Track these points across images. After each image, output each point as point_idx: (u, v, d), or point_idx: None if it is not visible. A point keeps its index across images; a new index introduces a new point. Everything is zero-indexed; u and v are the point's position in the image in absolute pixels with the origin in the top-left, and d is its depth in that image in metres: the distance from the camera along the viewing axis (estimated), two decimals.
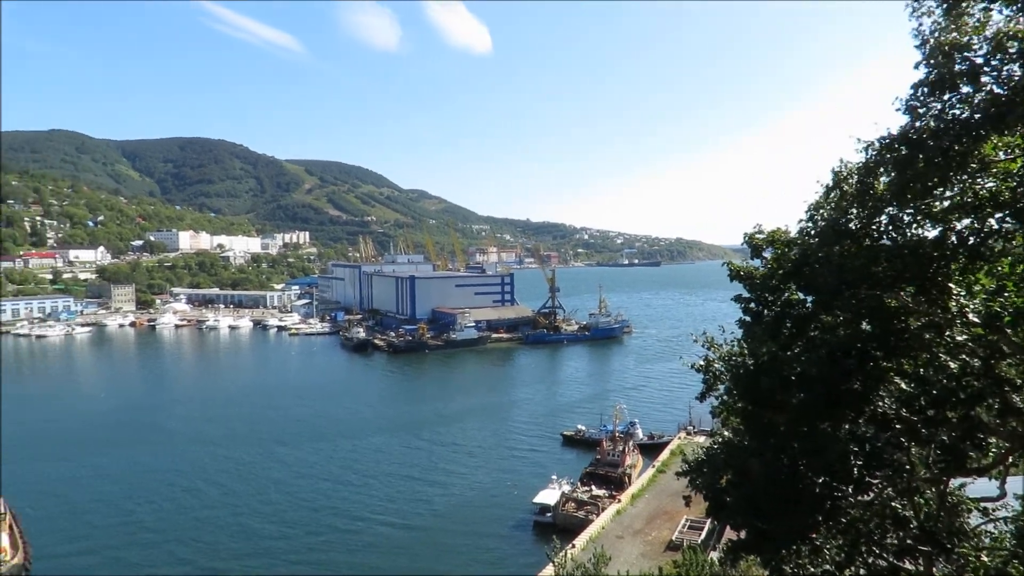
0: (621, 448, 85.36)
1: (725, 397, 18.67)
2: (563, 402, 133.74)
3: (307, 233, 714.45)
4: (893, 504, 16.44)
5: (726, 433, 19.98)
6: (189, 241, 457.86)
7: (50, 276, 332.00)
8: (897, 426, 15.46)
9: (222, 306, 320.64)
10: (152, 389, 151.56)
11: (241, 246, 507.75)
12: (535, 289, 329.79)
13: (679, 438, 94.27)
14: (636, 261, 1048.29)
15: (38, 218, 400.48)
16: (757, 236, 17.17)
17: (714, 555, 43.85)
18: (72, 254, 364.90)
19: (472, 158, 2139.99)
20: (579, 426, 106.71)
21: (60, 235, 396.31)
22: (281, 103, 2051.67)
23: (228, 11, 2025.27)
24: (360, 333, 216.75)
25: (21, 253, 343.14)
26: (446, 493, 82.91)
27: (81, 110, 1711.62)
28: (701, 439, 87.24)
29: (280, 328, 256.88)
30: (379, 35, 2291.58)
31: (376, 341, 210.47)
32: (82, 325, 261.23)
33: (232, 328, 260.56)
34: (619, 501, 72.70)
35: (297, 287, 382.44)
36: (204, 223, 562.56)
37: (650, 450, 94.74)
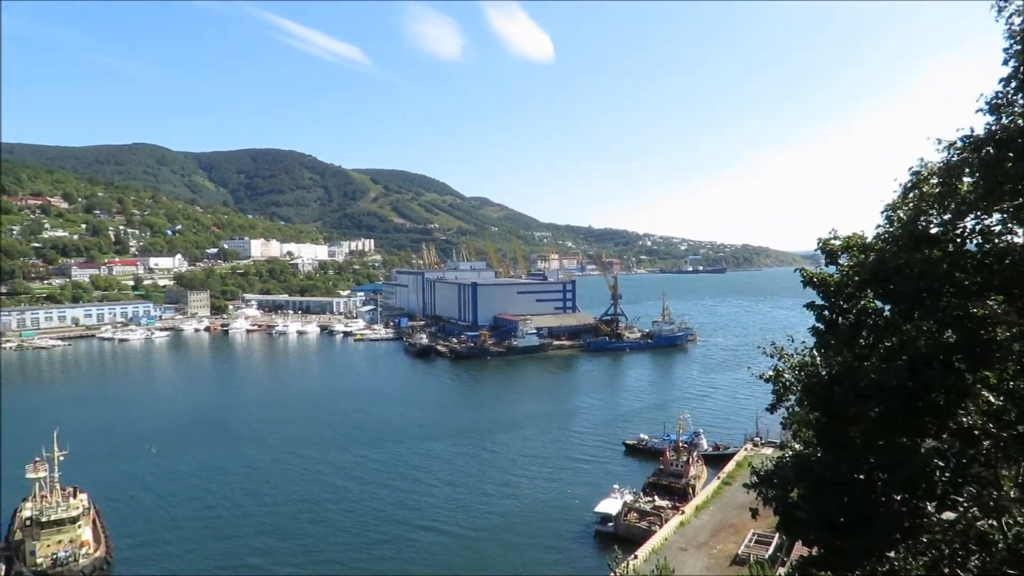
0: (685, 458, 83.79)
1: (796, 408, 18.09)
2: (625, 410, 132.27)
3: (372, 240, 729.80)
4: (979, 525, 15.56)
5: (797, 445, 19.36)
6: (260, 249, 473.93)
7: (132, 283, 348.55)
8: (984, 441, 14.66)
9: (291, 312, 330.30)
10: (224, 392, 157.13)
11: (309, 253, 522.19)
12: (597, 296, 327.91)
13: (745, 449, 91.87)
14: (700, 268, 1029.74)
15: (121, 227, 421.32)
16: (832, 242, 16.61)
17: (782, 571, 42.49)
18: (152, 261, 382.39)
19: (534, 165, 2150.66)
20: (641, 435, 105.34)
21: (141, 243, 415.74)
22: (348, 114, 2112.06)
23: (299, 26, 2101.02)
24: (423, 339, 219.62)
25: (106, 261, 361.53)
26: (505, 501, 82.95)
27: (162, 124, 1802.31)
28: (769, 451, 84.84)
29: (346, 334, 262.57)
30: (442, 45, 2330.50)
31: (438, 347, 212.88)
32: (161, 330, 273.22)
33: (300, 333, 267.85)
34: (683, 512, 71.29)
35: (362, 293, 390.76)
36: (274, 231, 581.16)
37: (715, 461, 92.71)
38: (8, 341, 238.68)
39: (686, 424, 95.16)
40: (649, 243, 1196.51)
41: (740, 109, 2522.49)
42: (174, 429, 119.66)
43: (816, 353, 17.13)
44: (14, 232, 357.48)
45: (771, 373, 18.14)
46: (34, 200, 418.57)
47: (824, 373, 15.88)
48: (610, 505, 74.10)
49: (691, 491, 78.72)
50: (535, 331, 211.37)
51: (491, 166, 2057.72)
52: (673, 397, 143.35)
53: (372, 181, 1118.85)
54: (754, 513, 19.74)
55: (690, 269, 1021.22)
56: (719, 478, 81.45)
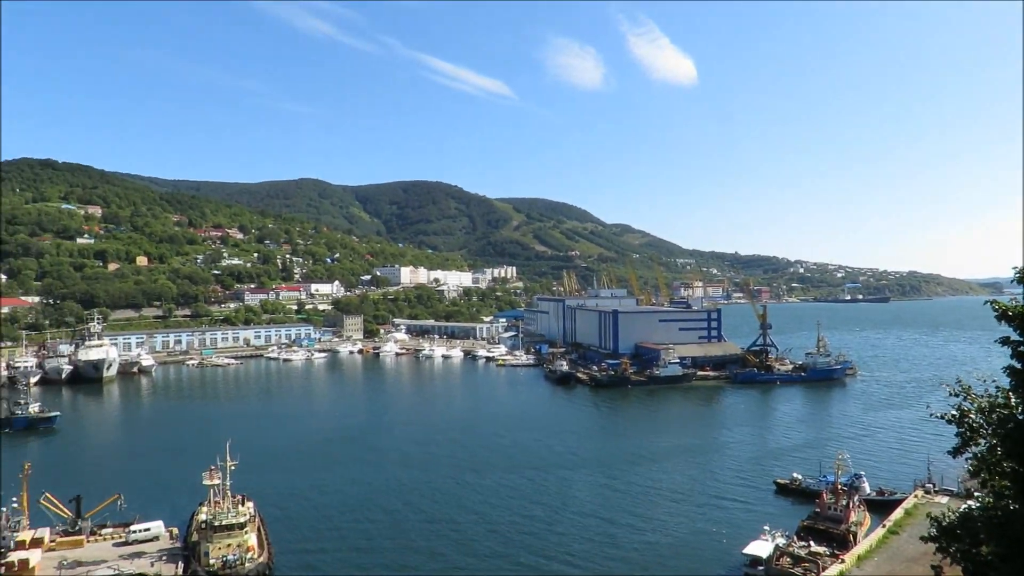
0: (845, 502, 77.42)
1: (986, 454, 16.12)
2: (775, 447, 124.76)
3: (514, 268, 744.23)
4: None
5: (987, 496, 17.23)
6: (409, 276, 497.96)
7: (295, 307, 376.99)
8: None
9: (436, 336, 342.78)
10: (374, 412, 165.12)
11: (454, 280, 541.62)
12: (744, 325, 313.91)
13: (915, 496, 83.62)
14: (860, 296, 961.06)
15: (287, 256, 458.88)
16: None
17: None
18: (313, 287, 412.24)
19: (676, 190, 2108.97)
20: (795, 474, 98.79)
21: (304, 270, 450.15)
22: (492, 145, 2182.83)
23: (448, 64, 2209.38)
24: (563, 366, 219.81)
25: (274, 286, 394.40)
26: (645, 536, 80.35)
27: (323, 160, 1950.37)
28: (945, 500, 76.83)
29: (488, 359, 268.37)
30: (583, 75, 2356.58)
31: (579, 374, 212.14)
32: (319, 351, 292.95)
33: (445, 358, 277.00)
34: (842, 561, 65.79)
35: (504, 320, 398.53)
36: (422, 259, 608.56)
37: (879, 507, 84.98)
38: (191, 359, 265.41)
39: (845, 465, 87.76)
40: (801, 270, 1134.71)
41: (902, 130, 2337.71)
42: (328, 444, 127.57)
43: (1012, 395, 15.21)
44: (199, 260, 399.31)
45: (954, 413, 16.34)
46: (215, 232, 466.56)
47: (1023, 417, 14.08)
48: (760, 547, 69.77)
49: (852, 538, 72.54)
50: (678, 360, 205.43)
51: (632, 192, 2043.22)
52: (829, 435, 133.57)
53: (515, 210, 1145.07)
54: (938, 571, 17.72)
55: (848, 298, 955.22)
56: (885, 526, 74.55)
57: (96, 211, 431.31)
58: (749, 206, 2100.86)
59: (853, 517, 76.00)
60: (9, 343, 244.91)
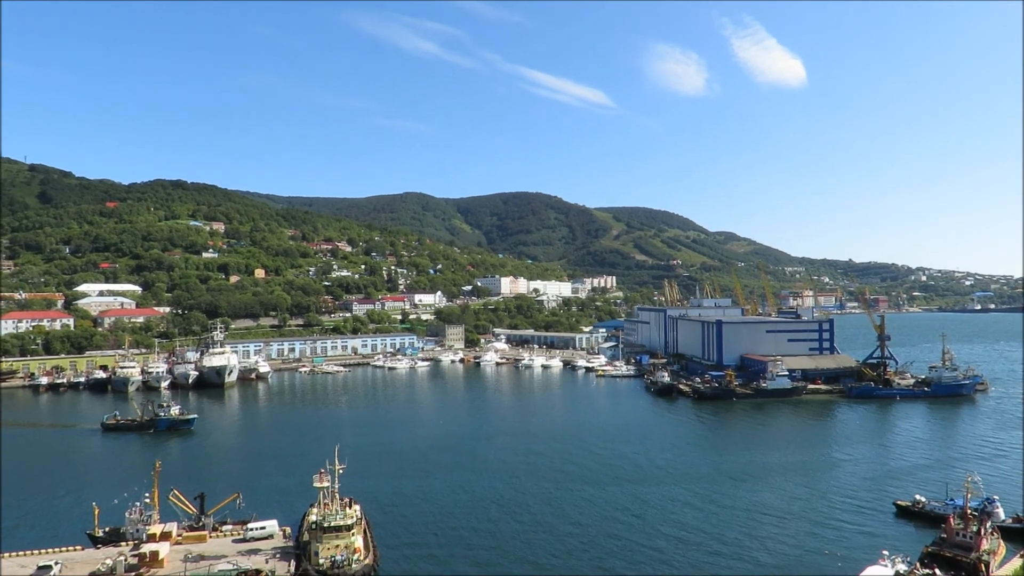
0: (976, 528, 71.51)
1: None
2: (895, 467, 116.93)
3: (614, 278, 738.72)
4: None
5: None
6: (509, 286, 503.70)
7: (400, 317, 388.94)
8: None
9: (536, 346, 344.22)
10: (475, 421, 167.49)
11: (554, 290, 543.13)
12: (860, 337, 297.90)
13: None
14: (992, 306, 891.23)
15: (393, 267, 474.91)
16: None
17: None
18: (416, 298, 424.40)
19: (784, 196, 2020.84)
20: (917, 496, 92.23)
21: (408, 281, 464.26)
22: (592, 154, 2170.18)
23: (548, 76, 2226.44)
24: (664, 377, 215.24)
25: (380, 297, 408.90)
26: (752, 555, 77.12)
27: (427, 174, 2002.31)
28: None
29: (587, 369, 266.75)
30: (685, 81, 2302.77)
31: (681, 386, 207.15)
32: (423, 360, 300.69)
33: (544, 367, 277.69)
34: None
35: (604, 330, 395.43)
36: (522, 269, 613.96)
37: (1015, 535, 78.10)
38: (303, 367, 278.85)
39: (976, 488, 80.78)
40: (924, 277, 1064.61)
41: None
42: (431, 450, 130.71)
43: None
44: (311, 272, 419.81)
45: None
46: (326, 245, 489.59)
47: None
48: (879, 572, 65.56)
49: (983, 568, 66.88)
50: (787, 373, 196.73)
51: (737, 199, 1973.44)
52: (957, 455, 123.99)
53: (614, 219, 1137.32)
54: None
55: (978, 308, 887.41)
56: (1023, 556, 68.24)
57: (220, 227, 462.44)
58: (864, 211, 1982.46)
59: (985, 545, 70.11)
60: (144, 350, 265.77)
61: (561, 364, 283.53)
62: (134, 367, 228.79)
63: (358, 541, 73.87)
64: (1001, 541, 74.49)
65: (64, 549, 75.46)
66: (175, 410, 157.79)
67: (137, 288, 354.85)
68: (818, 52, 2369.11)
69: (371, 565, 72.39)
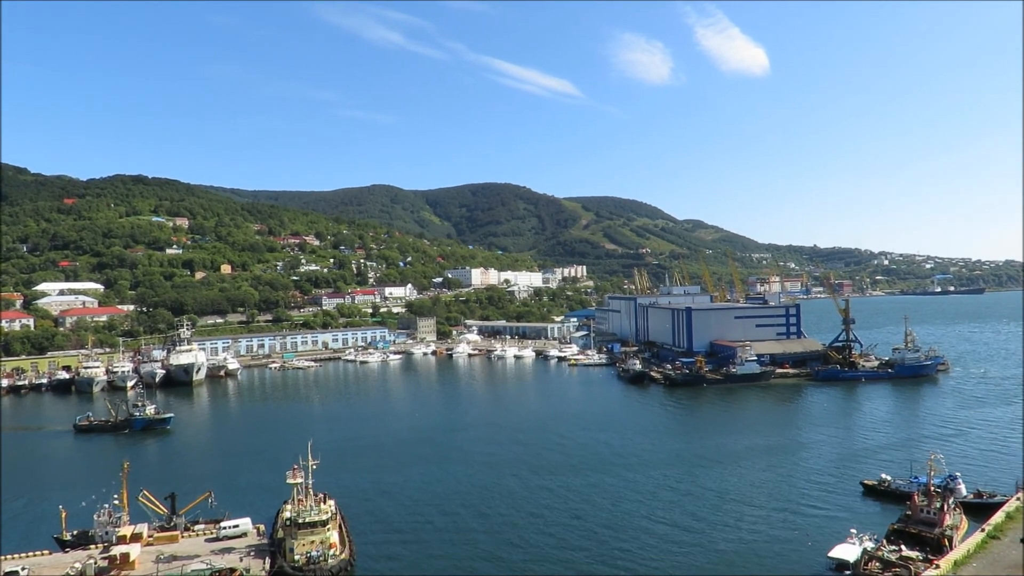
0: (939, 505, 73.47)
1: None
2: (861, 447, 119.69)
3: (584, 267, 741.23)
4: None
5: None
6: (480, 277, 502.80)
7: (370, 310, 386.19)
8: None
9: (508, 337, 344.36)
10: (448, 413, 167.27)
11: (524, 281, 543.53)
12: (825, 321, 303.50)
13: (1017, 499, 78.60)
14: (951, 288, 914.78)
15: (362, 260, 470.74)
16: None
17: None
18: (387, 291, 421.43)
19: (750, 184, 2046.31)
20: (883, 475, 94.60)
21: (378, 275, 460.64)
22: (560, 145, 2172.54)
23: (514, 66, 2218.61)
24: (636, 365, 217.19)
25: (349, 291, 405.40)
26: (724, 536, 78.39)
27: (394, 166, 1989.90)
28: None
29: (560, 359, 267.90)
30: (651, 70, 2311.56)
31: (652, 373, 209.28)
32: (394, 353, 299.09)
33: (517, 358, 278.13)
34: (937, 567, 62.49)
35: (575, 319, 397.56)
36: (492, 260, 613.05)
37: (976, 510, 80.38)
38: (273, 363, 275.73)
39: (939, 466, 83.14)
40: (886, 262, 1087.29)
41: (993, 114, 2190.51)
42: (405, 444, 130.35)
43: None
44: (279, 267, 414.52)
45: None
46: (294, 239, 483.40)
47: None
48: (847, 551, 67.15)
49: (947, 543, 68.73)
50: (756, 358, 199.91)
51: (704, 187, 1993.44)
52: (920, 434, 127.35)
53: (583, 209, 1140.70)
54: None
55: (938, 290, 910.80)
56: (983, 530, 70.39)
57: (183, 223, 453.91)
58: (828, 197, 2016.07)
59: (948, 520, 72.14)
60: (108, 349, 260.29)
61: (533, 354, 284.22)
62: (99, 367, 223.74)
63: (333, 536, 73.49)
64: (963, 516, 76.74)
65: (31, 554, 73.85)
66: (150, 409, 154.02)
67: (99, 286, 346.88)
68: (780, 41, 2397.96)
69: (347, 560, 72.09)
